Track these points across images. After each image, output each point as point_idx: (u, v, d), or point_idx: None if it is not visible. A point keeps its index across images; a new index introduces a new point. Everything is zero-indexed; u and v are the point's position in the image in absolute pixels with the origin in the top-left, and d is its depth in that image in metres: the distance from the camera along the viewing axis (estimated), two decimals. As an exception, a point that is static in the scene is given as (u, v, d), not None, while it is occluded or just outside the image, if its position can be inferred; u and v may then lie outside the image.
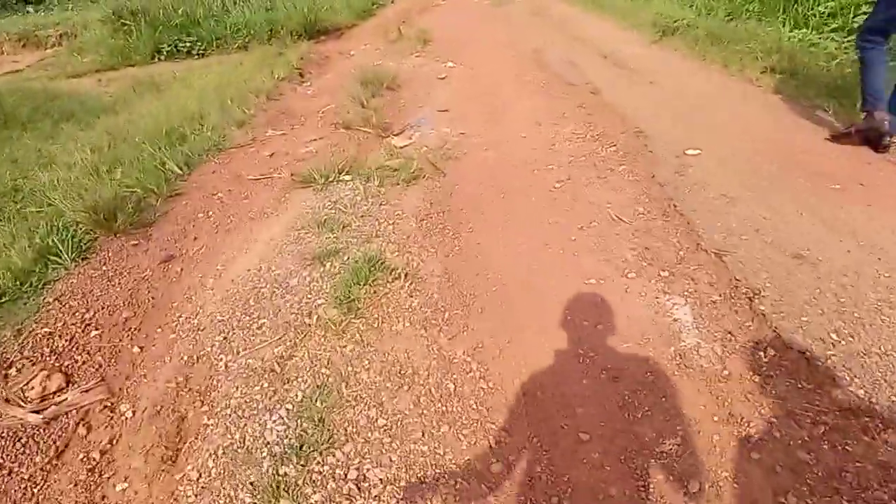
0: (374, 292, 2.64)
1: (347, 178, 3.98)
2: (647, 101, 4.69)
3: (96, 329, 2.63)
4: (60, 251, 3.07)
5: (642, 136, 3.90)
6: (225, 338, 2.50)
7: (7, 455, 2.01)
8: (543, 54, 6.87)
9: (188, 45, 8.99)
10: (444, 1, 14.01)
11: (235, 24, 9.27)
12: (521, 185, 3.53)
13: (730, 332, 2.09)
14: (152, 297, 2.86)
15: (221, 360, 2.38)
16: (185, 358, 2.43)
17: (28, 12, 13.87)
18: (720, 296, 2.28)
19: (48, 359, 2.46)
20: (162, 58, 8.95)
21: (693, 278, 2.42)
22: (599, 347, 2.13)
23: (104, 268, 3.05)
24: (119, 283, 2.94)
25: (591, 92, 5.12)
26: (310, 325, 2.50)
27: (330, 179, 3.93)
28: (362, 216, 3.40)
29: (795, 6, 6.57)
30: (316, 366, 2.26)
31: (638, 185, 3.29)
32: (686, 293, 2.35)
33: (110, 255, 3.17)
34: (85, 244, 3.20)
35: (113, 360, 2.46)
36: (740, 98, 4.55)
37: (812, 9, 6.36)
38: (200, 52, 9.05)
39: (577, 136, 4.25)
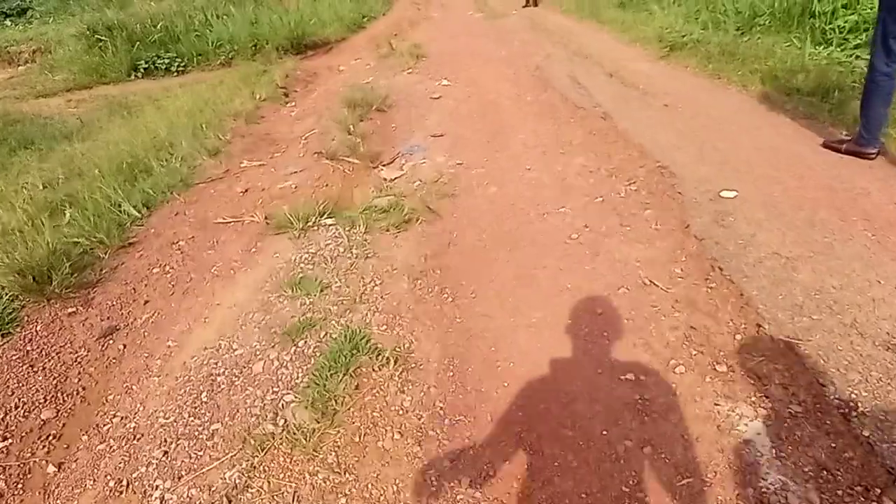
0: (357, 386, 2.10)
1: (329, 221, 3.44)
2: (664, 128, 4.19)
3: (3, 439, 2.06)
4: (-27, 327, 2.51)
5: (666, 172, 3.39)
6: (166, 453, 1.95)
7: None
8: (545, 71, 6.37)
9: (167, 61, 8.45)
10: (437, 14, 13.55)
11: (218, 39, 8.76)
12: (530, 235, 3.00)
13: (824, 468, 1.56)
14: (83, 388, 2.31)
15: (157, 487, 1.83)
16: (113, 483, 1.88)
17: (6, 25, 13.28)
18: (801, 406, 1.76)
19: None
20: (139, 75, 8.40)
21: (759, 376, 1.89)
22: (653, 490, 1.59)
23: (28, 347, 2.49)
24: (44, 370, 2.37)
25: (601, 117, 4.62)
26: (274, 434, 1.94)
27: (309, 223, 3.38)
28: (345, 273, 2.86)
29: (812, 21, 6.11)
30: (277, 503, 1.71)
31: (670, 237, 2.76)
32: (754, 400, 1.81)
33: (39, 329, 2.61)
34: (8, 316, 2.63)
35: (19, 487, 1.90)
36: (769, 124, 4.06)
37: (830, 23, 5.90)
38: (180, 68, 8.51)
39: (589, 170, 3.74)
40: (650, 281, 2.45)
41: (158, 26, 8.86)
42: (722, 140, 3.83)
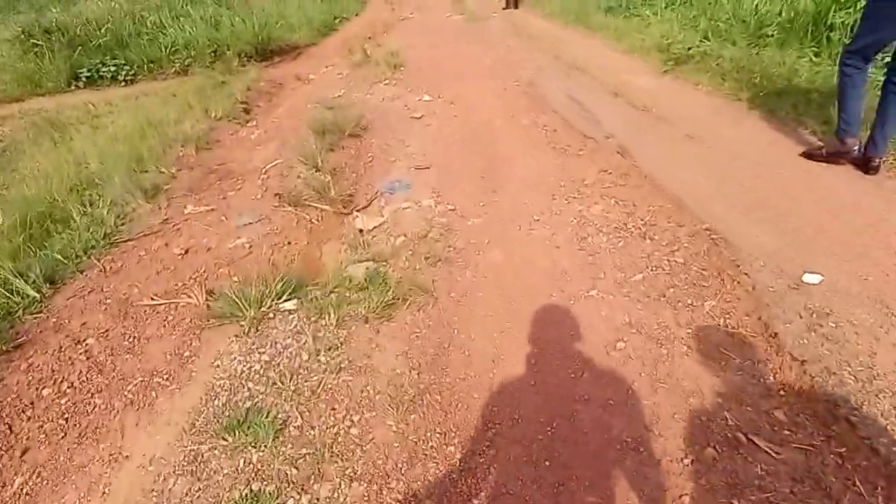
0: None
1: (290, 305, 2.62)
2: (696, 170, 3.46)
3: None
4: None
5: (718, 239, 2.65)
6: None
7: None
8: (539, 87, 5.60)
9: (113, 69, 7.40)
10: (413, 15, 12.66)
11: (173, 44, 7.74)
12: (556, 339, 2.23)
13: None
14: None
15: None
16: None
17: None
18: None
19: None
20: (80, 84, 7.34)
21: None
22: None
23: None
24: None
25: (616, 151, 3.87)
26: None
27: (264, 309, 2.55)
28: (309, 400, 2.05)
29: (829, 34, 5.48)
30: None
31: (753, 352, 2.02)
32: None
33: None
34: None
35: None
36: (820, 167, 3.35)
37: (847, 36, 5.26)
38: (128, 77, 7.47)
39: (613, 225, 2.99)
40: (747, 438, 1.70)
41: (104, 29, 7.80)
42: (773, 190, 3.12)
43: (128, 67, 7.49)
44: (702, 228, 2.77)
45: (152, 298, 2.74)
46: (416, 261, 2.89)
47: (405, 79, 6.69)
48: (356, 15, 12.57)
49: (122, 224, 3.45)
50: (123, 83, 7.44)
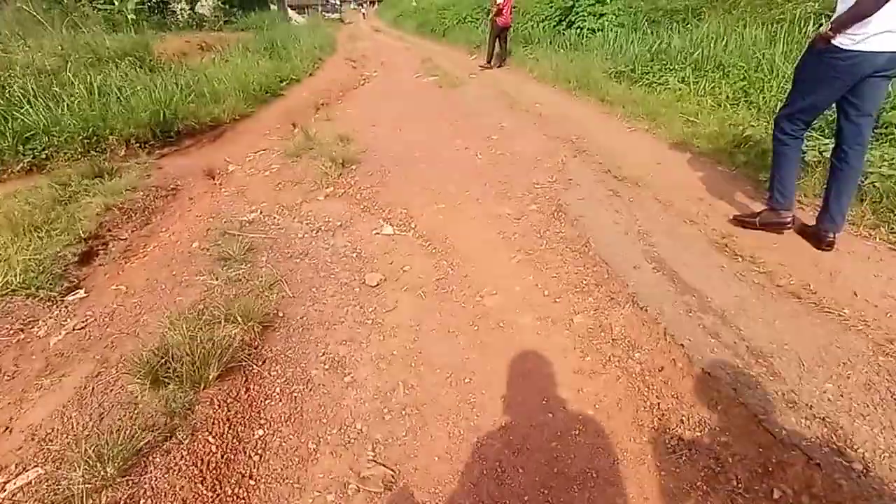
0: None
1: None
2: None
3: None
4: None
5: None
6: None
7: None
8: (579, 224, 3.23)
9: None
10: (376, 74, 10.38)
11: (27, 128, 5.12)
12: None
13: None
14: None
15: None
16: None
17: None
18: None
19: None
20: None
21: None
22: None
23: None
24: None
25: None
26: None
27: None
28: None
29: None
30: None
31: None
32: None
33: None
34: None
35: None
36: None
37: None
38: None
39: None
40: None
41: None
42: None
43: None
44: None
45: None
46: None
47: (358, 185, 4.25)
48: (309, 75, 10.21)
49: None
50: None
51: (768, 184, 2.88)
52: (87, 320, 2.70)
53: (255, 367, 2.19)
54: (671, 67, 6.54)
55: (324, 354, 2.31)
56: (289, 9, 24.48)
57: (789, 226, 2.84)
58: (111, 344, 2.47)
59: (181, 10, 17.82)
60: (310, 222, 3.67)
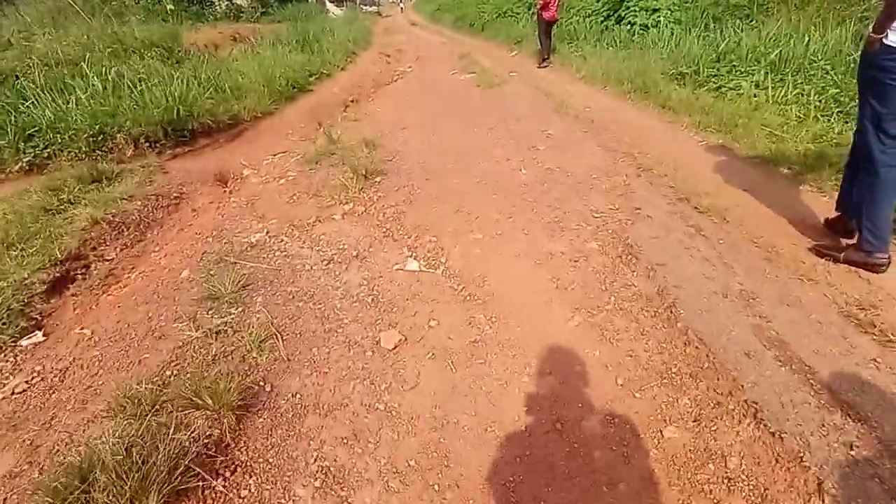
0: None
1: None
2: None
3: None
4: None
5: None
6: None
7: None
8: (647, 250, 2.48)
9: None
10: (411, 69, 9.72)
11: (31, 124, 4.67)
12: None
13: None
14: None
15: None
16: None
17: None
18: None
19: None
20: None
21: None
22: None
23: None
24: None
25: None
26: None
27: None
28: None
29: None
30: None
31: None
32: None
33: None
34: None
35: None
36: None
37: None
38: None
39: None
40: None
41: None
42: None
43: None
44: None
45: None
46: None
47: (381, 202, 3.60)
48: (341, 69, 9.61)
49: None
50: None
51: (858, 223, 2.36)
52: (33, 378, 2.13)
53: (218, 484, 1.56)
54: (742, 70, 5.66)
55: (316, 461, 1.67)
56: (326, 1, 24.01)
57: (884, 268, 2.31)
58: (49, 422, 1.88)
59: (219, 1, 17.50)
60: (321, 249, 3.04)
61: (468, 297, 2.49)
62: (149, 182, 4.15)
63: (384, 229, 3.25)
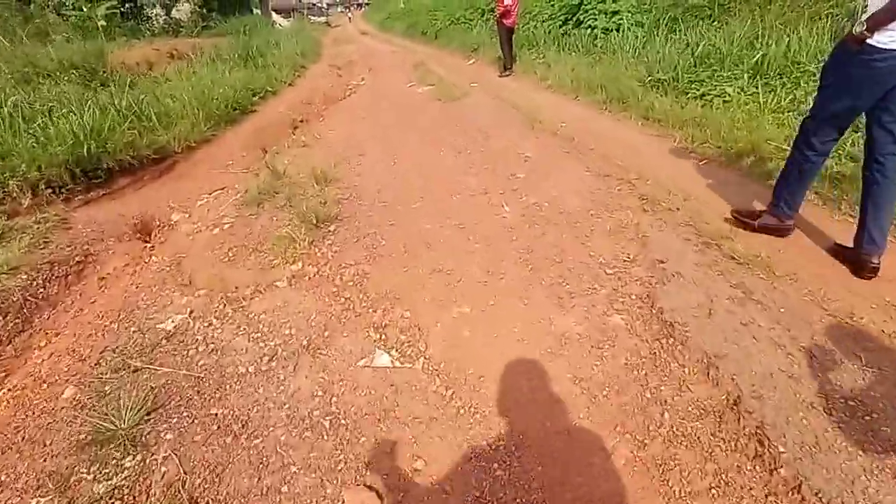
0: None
1: None
2: None
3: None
4: None
5: None
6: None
7: None
8: (694, 330, 1.84)
9: None
10: (364, 82, 8.95)
11: None
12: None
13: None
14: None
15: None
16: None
17: None
18: None
19: None
20: None
21: None
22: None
23: None
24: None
25: None
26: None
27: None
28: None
29: None
30: None
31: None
32: None
33: None
34: None
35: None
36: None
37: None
38: None
39: None
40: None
41: None
42: None
43: None
44: None
45: None
46: None
47: (337, 260, 2.85)
48: (289, 85, 8.74)
49: None
50: None
51: (775, 190, 2.58)
52: None
53: None
54: (724, 75, 5.19)
55: None
56: (273, 13, 22.85)
57: (789, 233, 2.58)
58: None
59: (156, 15, 16.21)
60: (261, 338, 2.27)
61: (461, 411, 1.79)
62: (43, 243, 3.26)
63: (342, 300, 2.51)
